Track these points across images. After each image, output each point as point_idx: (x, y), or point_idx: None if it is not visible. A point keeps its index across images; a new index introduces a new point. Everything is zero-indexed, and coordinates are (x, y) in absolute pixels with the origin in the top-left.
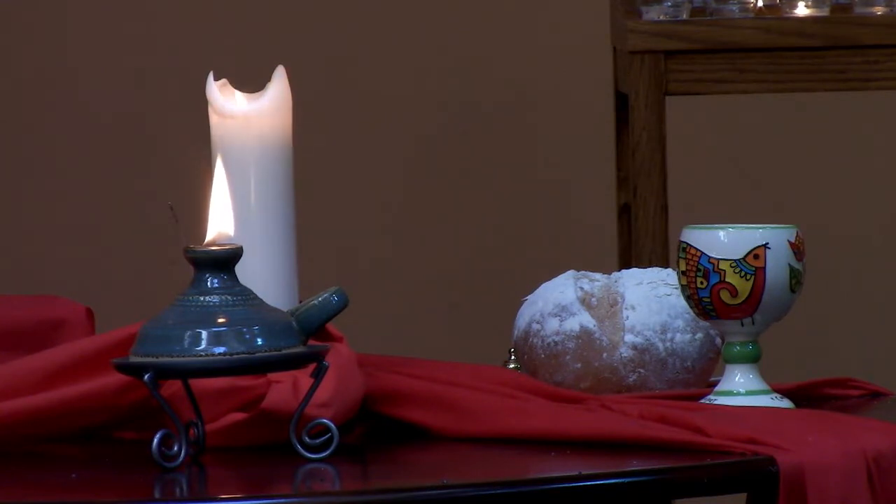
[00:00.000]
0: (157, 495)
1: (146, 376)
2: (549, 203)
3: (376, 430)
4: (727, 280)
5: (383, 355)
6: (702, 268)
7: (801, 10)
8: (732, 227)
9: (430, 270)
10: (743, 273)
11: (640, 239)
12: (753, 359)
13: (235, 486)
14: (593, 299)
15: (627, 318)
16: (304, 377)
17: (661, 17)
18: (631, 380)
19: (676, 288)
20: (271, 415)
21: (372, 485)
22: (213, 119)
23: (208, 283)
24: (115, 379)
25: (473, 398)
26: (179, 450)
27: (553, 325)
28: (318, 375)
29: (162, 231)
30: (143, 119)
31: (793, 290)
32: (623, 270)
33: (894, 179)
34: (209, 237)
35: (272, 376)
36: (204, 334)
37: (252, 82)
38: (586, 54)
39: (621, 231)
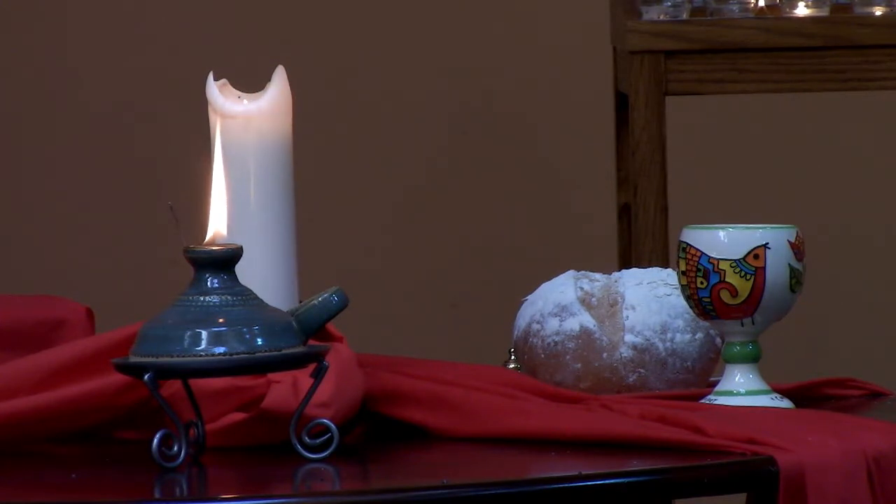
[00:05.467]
0: (157, 495)
1: (146, 376)
2: (549, 203)
3: (376, 430)
4: (727, 280)
5: (383, 355)
6: (702, 268)
7: (801, 10)
8: (732, 227)
9: (430, 270)
10: (743, 273)
11: (640, 239)
12: (753, 359)
13: (235, 486)
14: (593, 299)
15: (627, 318)
16: (304, 377)
17: (661, 17)
18: (631, 380)
19: (676, 288)
20: (271, 415)
21: (372, 485)
22: (213, 119)
23: (208, 283)
24: (115, 379)
25: (473, 398)
26: (179, 450)
27: (553, 325)
28: (318, 375)
29: (162, 231)
30: (143, 119)
31: (793, 290)
32: (623, 270)
33: (894, 179)
34: (208, 237)
35: (272, 376)
36: (204, 334)
37: (252, 82)
38: (586, 54)
39: (621, 231)
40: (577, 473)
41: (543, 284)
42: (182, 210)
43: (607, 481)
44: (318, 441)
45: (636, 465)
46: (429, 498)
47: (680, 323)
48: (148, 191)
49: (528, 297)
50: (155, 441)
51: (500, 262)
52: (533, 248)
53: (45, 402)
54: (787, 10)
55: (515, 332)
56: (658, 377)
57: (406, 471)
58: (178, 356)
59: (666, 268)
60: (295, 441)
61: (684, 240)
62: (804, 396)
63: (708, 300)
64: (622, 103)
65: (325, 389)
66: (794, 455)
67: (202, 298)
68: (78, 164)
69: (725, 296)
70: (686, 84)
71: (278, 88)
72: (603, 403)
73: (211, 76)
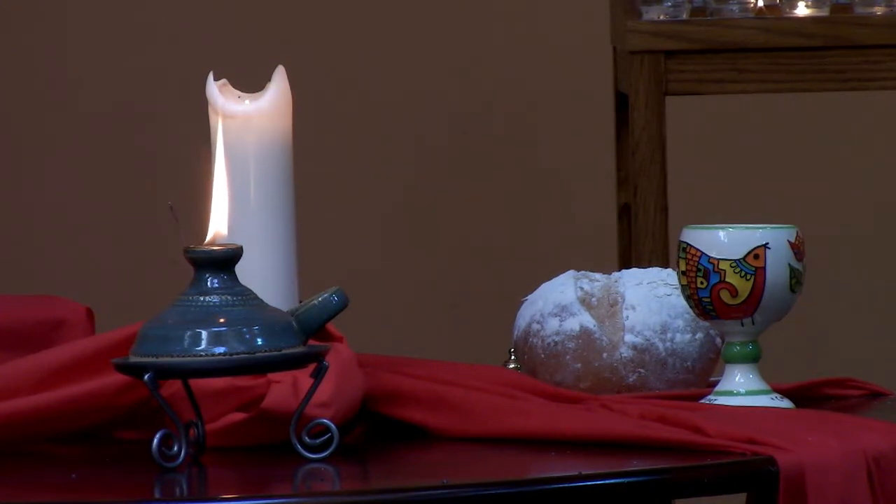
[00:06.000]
0: (157, 495)
1: (146, 376)
2: (550, 203)
3: (376, 430)
4: (727, 280)
5: (383, 355)
6: (702, 268)
7: (801, 10)
8: (732, 227)
9: (430, 270)
10: (743, 273)
11: (640, 239)
12: (753, 359)
13: (235, 486)
14: (593, 299)
15: (627, 318)
16: (304, 377)
17: (661, 17)
18: (631, 380)
19: (676, 288)
20: (271, 415)
21: (372, 485)
22: (213, 119)
23: (208, 283)
24: (115, 379)
25: (473, 398)
26: (179, 450)
27: (553, 325)
28: (318, 375)
29: (162, 231)
30: (143, 119)
31: (793, 290)
32: (623, 270)
33: (894, 179)
34: (208, 237)
35: (272, 376)
36: (204, 334)
37: (252, 82)
38: (586, 54)
39: (621, 231)
40: (577, 473)
41: (543, 284)
42: (182, 210)
43: (607, 481)
44: (318, 441)
45: (636, 465)
46: (429, 498)
47: (680, 323)
48: (148, 191)
49: (528, 297)
50: (155, 441)
51: (500, 262)
52: (533, 248)
53: (45, 402)
54: (787, 10)
55: (515, 332)
56: (658, 377)
57: (406, 471)
58: (178, 356)
59: (666, 268)
60: (295, 441)
61: (684, 240)
62: (804, 396)
63: (708, 300)
64: (622, 103)
65: (325, 389)
66: (794, 455)
67: (202, 298)
68: (78, 164)
69: (725, 296)
70: (686, 84)
71: (278, 88)
72: (603, 403)
73: (211, 76)
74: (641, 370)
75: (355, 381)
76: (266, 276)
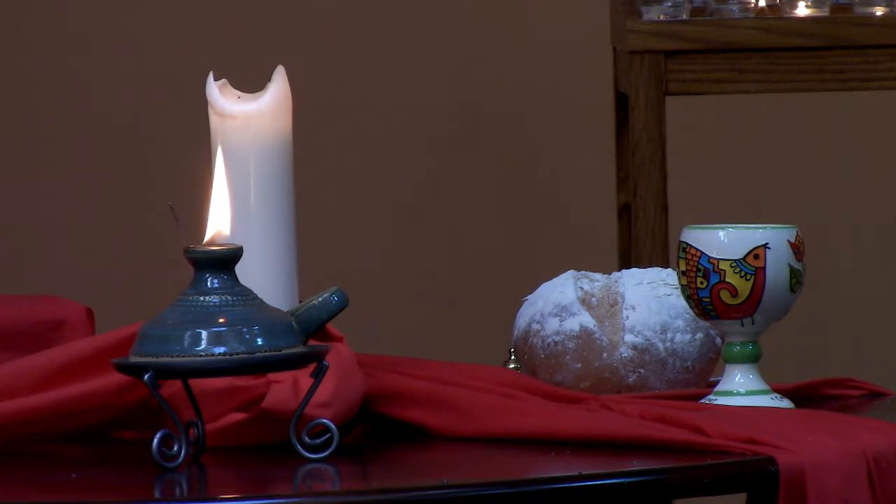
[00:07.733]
0: (157, 495)
1: (146, 376)
2: (549, 203)
3: (376, 430)
4: (727, 280)
5: (383, 355)
6: (702, 268)
7: (801, 10)
8: (732, 227)
9: (430, 270)
10: (743, 273)
11: (640, 239)
12: (753, 359)
13: (235, 486)
14: (593, 299)
15: (627, 318)
16: (304, 377)
17: (661, 17)
18: (631, 380)
19: (676, 288)
20: (271, 415)
21: (372, 485)
22: (213, 119)
23: (208, 283)
24: (115, 379)
25: (473, 398)
26: (179, 450)
27: (553, 325)
28: (318, 375)
29: (162, 231)
30: (143, 119)
31: (793, 290)
32: (623, 270)
33: (894, 179)
34: (208, 237)
35: (272, 376)
36: (204, 334)
37: (252, 82)
38: (586, 54)
39: (621, 231)
40: (577, 473)
41: (543, 284)
42: (182, 210)
43: (607, 481)
44: (318, 441)
45: (636, 465)
46: (429, 498)
47: (680, 323)
48: (148, 191)
49: (528, 297)
50: (155, 441)
51: (500, 262)
52: (533, 248)
53: (45, 402)
54: (787, 10)
55: (515, 332)
56: (658, 377)
57: (406, 471)
58: (178, 356)
59: (666, 268)
60: (295, 441)
61: (684, 240)
62: (804, 396)
63: (708, 300)
64: (622, 103)
65: (325, 389)
66: (794, 455)
67: (202, 298)
68: (78, 163)
69: (725, 296)
70: (686, 84)
71: (278, 88)
72: (603, 403)
73: (211, 76)
74: (641, 370)
75: (355, 381)
76: (266, 276)
